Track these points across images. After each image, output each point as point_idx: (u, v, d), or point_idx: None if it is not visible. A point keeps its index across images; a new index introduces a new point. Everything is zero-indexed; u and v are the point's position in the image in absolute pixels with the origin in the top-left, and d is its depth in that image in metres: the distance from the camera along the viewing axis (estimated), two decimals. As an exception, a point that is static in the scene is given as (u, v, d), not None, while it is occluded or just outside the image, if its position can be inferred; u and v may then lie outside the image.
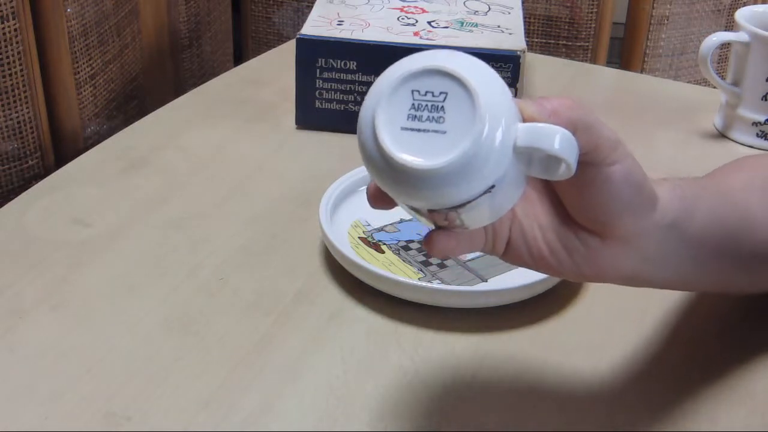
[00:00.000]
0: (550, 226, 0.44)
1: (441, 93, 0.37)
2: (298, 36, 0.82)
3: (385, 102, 0.38)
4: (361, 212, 0.69)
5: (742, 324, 0.61)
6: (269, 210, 0.72)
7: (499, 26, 0.87)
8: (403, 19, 0.88)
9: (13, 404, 0.52)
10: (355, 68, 0.82)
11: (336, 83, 0.83)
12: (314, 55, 0.82)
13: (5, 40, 0.76)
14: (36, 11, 0.80)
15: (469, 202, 0.38)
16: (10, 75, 0.77)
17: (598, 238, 0.44)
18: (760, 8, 0.87)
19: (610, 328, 0.60)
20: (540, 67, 1.01)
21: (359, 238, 0.67)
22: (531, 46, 1.26)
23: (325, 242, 0.64)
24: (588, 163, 0.41)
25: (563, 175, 0.39)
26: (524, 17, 0.92)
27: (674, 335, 0.59)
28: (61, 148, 0.86)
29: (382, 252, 0.65)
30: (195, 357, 0.56)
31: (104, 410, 0.51)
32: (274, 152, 0.82)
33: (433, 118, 0.37)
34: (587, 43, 1.27)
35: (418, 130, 0.38)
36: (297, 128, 0.86)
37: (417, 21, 0.87)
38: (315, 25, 0.84)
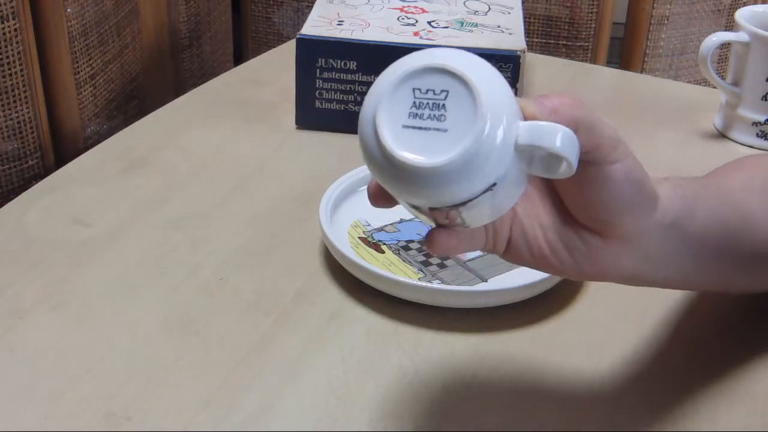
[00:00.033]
0: (551, 225, 0.44)
1: (442, 91, 0.37)
2: (298, 36, 0.82)
3: (386, 100, 0.38)
4: (361, 212, 0.69)
5: (742, 324, 0.61)
6: (269, 210, 0.72)
7: (499, 26, 0.87)
8: (403, 19, 0.88)
9: (13, 404, 0.52)
10: (355, 68, 0.82)
11: (336, 83, 0.83)
12: (314, 55, 0.82)
13: (5, 40, 0.76)
14: (36, 11, 0.80)
15: (470, 200, 0.38)
16: (10, 75, 0.77)
17: (599, 237, 0.44)
18: (760, 8, 0.87)
19: (610, 328, 0.60)
20: (540, 67, 1.01)
21: (359, 238, 0.67)
22: (531, 46, 1.26)
23: (325, 242, 0.64)
24: (589, 161, 0.41)
25: (564, 174, 0.39)
26: (524, 17, 0.92)
27: (674, 335, 0.59)
28: (61, 148, 0.86)
29: (382, 252, 0.65)
30: (195, 357, 0.56)
31: (104, 410, 0.51)
32: (274, 152, 0.82)
33: (434, 116, 0.37)
34: (587, 43, 1.27)
35: (420, 128, 0.38)
36: (297, 128, 0.86)
37: (417, 21, 0.87)
38: (315, 25, 0.84)
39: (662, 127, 0.89)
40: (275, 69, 0.96)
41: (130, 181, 0.75)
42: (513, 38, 0.84)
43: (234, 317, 0.59)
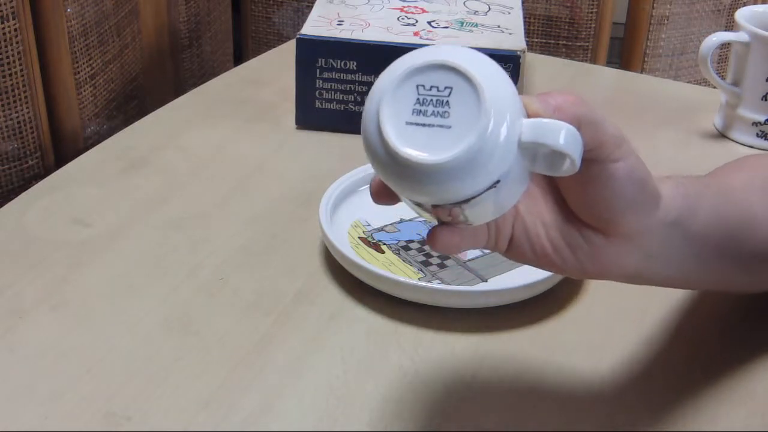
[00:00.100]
0: (553, 224, 0.44)
1: (446, 88, 0.37)
2: (298, 36, 0.82)
3: (389, 97, 0.38)
4: (361, 212, 0.69)
5: (742, 324, 0.61)
6: (269, 210, 0.72)
7: (499, 26, 0.87)
8: (403, 19, 0.88)
9: (13, 404, 0.52)
10: (355, 68, 0.82)
11: (336, 83, 0.83)
12: (314, 55, 0.82)
13: (5, 40, 0.76)
14: (36, 11, 0.80)
15: (473, 197, 0.38)
16: (10, 75, 0.77)
17: (602, 236, 0.44)
18: (760, 8, 0.87)
19: (610, 328, 0.60)
20: (540, 67, 1.01)
21: (359, 238, 0.67)
22: (531, 46, 1.26)
23: (325, 242, 0.64)
24: (592, 159, 0.41)
25: (567, 172, 0.39)
26: (524, 17, 0.92)
27: (675, 335, 0.59)
28: (61, 148, 0.86)
29: (382, 252, 0.65)
30: (195, 357, 0.56)
31: (104, 410, 0.51)
32: (274, 152, 0.82)
33: (438, 112, 0.37)
34: (587, 43, 1.27)
35: (423, 125, 0.37)
36: (297, 128, 0.86)
37: (417, 21, 0.87)
38: (315, 25, 0.84)
39: (662, 127, 0.89)
40: (275, 69, 0.96)
41: (130, 181, 0.75)
42: (513, 38, 0.84)
43: (234, 317, 0.59)
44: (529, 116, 0.38)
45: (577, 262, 0.44)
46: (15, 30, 0.77)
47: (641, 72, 1.29)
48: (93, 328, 0.58)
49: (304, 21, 0.86)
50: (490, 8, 0.92)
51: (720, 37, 0.84)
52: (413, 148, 0.37)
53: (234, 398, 0.53)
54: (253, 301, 0.61)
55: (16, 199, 0.72)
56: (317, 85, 0.83)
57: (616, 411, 0.53)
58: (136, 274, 0.64)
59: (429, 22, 0.87)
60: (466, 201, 0.39)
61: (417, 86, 0.38)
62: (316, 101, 0.84)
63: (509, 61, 0.80)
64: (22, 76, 0.78)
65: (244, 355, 0.56)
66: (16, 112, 0.79)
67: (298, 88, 0.84)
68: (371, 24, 0.85)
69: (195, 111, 0.88)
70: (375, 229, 0.68)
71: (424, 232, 0.67)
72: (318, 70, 0.83)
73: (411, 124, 0.38)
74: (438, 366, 0.56)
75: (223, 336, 0.58)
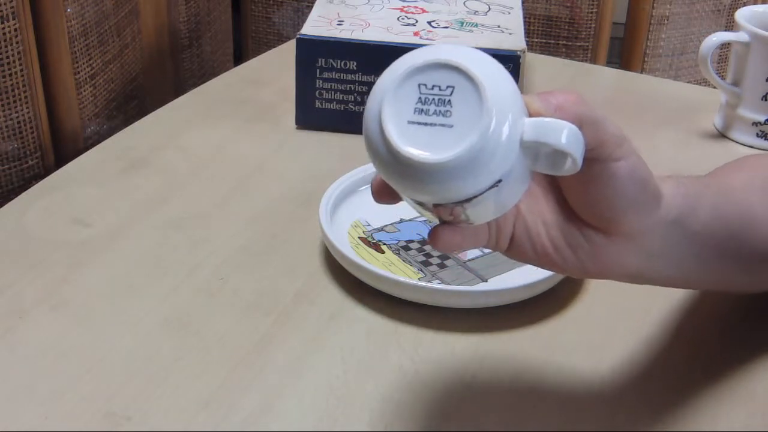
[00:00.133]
0: (554, 223, 0.44)
1: (448, 87, 0.37)
2: (298, 36, 0.82)
3: (391, 96, 0.38)
4: (361, 212, 0.69)
5: (742, 324, 0.61)
6: (269, 210, 0.72)
7: (499, 26, 0.87)
8: (403, 19, 0.88)
9: (13, 404, 0.52)
10: (355, 68, 0.82)
11: (336, 83, 0.83)
12: (314, 55, 0.82)
13: (5, 40, 0.76)
14: (36, 11, 0.80)
15: (475, 196, 0.38)
16: (10, 75, 0.77)
17: (603, 235, 0.44)
18: (760, 8, 0.87)
19: (610, 328, 0.60)
20: (540, 67, 1.01)
21: (359, 238, 0.67)
22: (531, 46, 1.26)
23: (325, 242, 0.64)
24: (593, 159, 0.41)
25: (569, 171, 0.39)
26: (524, 17, 0.92)
27: (675, 335, 0.59)
28: (61, 148, 0.86)
29: (382, 252, 0.65)
30: (195, 357, 0.56)
31: (104, 410, 0.51)
32: (274, 152, 0.82)
33: (440, 111, 0.37)
34: (587, 43, 1.27)
35: (425, 124, 0.37)
36: (297, 128, 0.86)
37: (417, 21, 0.87)
38: (315, 25, 0.84)
39: (662, 127, 0.89)
40: (275, 69, 0.96)
41: (130, 181, 0.75)
42: (513, 38, 0.84)
43: (234, 317, 0.59)
44: (530, 115, 0.38)
45: (578, 261, 0.44)
46: (15, 30, 0.77)
47: (641, 72, 1.29)
48: (93, 328, 0.58)
49: (304, 21, 0.86)
50: (490, 8, 0.92)
51: (720, 37, 0.84)
52: (415, 147, 0.37)
53: (234, 398, 0.52)
54: (253, 301, 0.61)
55: (16, 199, 0.72)
56: (317, 85, 0.83)
57: (616, 411, 0.53)
58: (136, 274, 0.64)
59: (429, 22, 0.87)
60: (468, 200, 0.39)
61: (419, 85, 0.38)
62: (316, 101, 0.84)
63: (509, 61, 0.80)
64: (22, 76, 0.78)
65: (244, 355, 0.56)
66: (16, 112, 0.79)
67: (298, 88, 0.84)
68: (371, 24, 0.85)
69: (195, 111, 0.88)
70: (375, 229, 0.68)
71: (424, 232, 0.67)
72: (318, 70, 0.83)
73: (413, 123, 0.38)
74: (438, 366, 0.56)
75: (223, 336, 0.58)
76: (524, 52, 0.81)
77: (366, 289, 0.61)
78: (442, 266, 0.64)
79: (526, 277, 0.60)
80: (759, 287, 0.56)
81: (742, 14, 0.85)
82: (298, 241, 0.68)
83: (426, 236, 0.66)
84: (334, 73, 0.83)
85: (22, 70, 0.78)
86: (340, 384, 0.54)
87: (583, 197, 0.43)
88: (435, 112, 0.37)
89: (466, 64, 0.37)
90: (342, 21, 0.85)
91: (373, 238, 0.67)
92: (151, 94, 1.05)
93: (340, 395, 0.53)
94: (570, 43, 1.28)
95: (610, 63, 1.35)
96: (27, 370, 0.54)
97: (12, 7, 0.76)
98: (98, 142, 0.84)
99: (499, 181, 0.38)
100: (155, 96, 1.05)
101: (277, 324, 0.59)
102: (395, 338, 0.58)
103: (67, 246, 0.66)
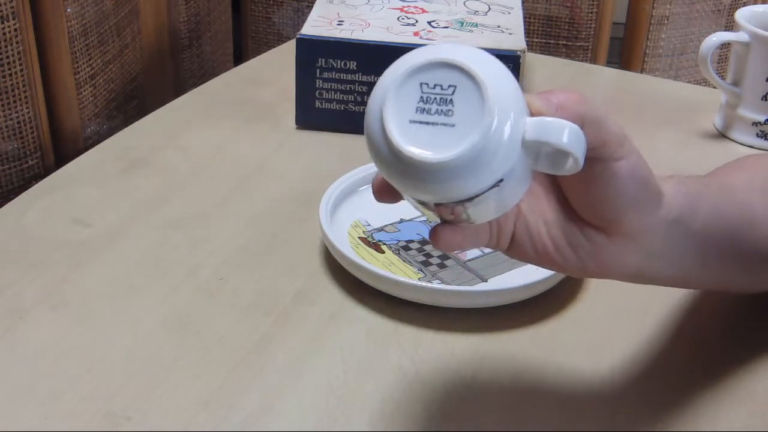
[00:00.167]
0: (555, 222, 0.44)
1: (450, 86, 0.37)
2: (298, 36, 0.82)
3: (393, 95, 0.38)
4: (361, 212, 0.69)
5: (743, 324, 0.61)
6: (269, 210, 0.72)
7: (499, 26, 0.87)
8: (403, 19, 0.88)
9: (13, 404, 0.52)
10: (355, 68, 0.82)
11: (336, 83, 0.83)
12: (314, 55, 0.82)
13: (5, 40, 0.76)
14: (36, 11, 0.80)
15: (476, 196, 0.38)
16: (10, 75, 0.77)
17: (604, 235, 0.44)
18: (760, 8, 0.87)
19: (610, 328, 0.60)
20: (540, 67, 1.01)
21: (359, 238, 0.67)
22: (531, 46, 1.26)
23: (325, 242, 0.64)
24: (594, 158, 0.41)
25: (570, 170, 0.39)
26: (524, 17, 0.92)
27: (675, 335, 0.59)
28: (61, 148, 0.86)
29: (382, 252, 0.65)
30: (195, 357, 0.56)
31: (104, 410, 0.51)
32: (274, 152, 0.82)
33: (441, 111, 0.37)
34: (587, 43, 1.27)
35: (427, 123, 0.37)
36: (297, 128, 0.86)
37: (417, 21, 0.87)
38: (315, 25, 0.84)
39: (662, 127, 0.89)
40: (275, 69, 0.96)
41: (130, 181, 0.75)
42: (513, 38, 0.84)
43: (234, 317, 0.59)
44: (531, 115, 0.38)
45: (579, 260, 0.44)
46: (15, 30, 0.77)
47: (641, 72, 1.29)
48: (93, 328, 0.58)
49: (304, 21, 0.86)
50: (490, 8, 0.92)
51: (720, 37, 0.84)
52: (417, 146, 0.37)
53: (234, 398, 0.52)
54: (253, 301, 0.61)
55: (16, 199, 0.72)
56: (317, 85, 0.83)
57: (616, 411, 0.53)
58: (136, 274, 0.64)
59: (429, 22, 0.87)
60: (470, 199, 0.39)
61: (420, 84, 0.38)
62: (316, 101, 0.84)
63: (509, 61, 0.80)
64: (22, 76, 0.78)
65: (244, 355, 0.56)
66: (16, 112, 0.79)
67: (298, 88, 0.84)
68: (371, 24, 0.85)
69: (195, 111, 0.88)
70: (375, 229, 0.68)
71: (424, 232, 0.67)
72: (318, 70, 0.83)
73: (414, 122, 0.38)
74: (438, 366, 0.56)
75: (223, 336, 0.58)
76: (524, 52, 0.81)
77: (366, 289, 0.61)
78: (442, 266, 0.64)
79: (526, 277, 0.60)
80: (759, 287, 0.56)
81: (742, 14, 0.85)
82: (298, 241, 0.68)
83: (426, 236, 0.67)
84: (334, 73, 0.83)
85: (22, 70, 0.78)
86: (340, 384, 0.54)
87: (584, 197, 0.43)
88: (437, 112, 0.37)
89: (468, 63, 0.37)
90: (342, 21, 0.85)
91: (373, 238, 0.67)
92: (151, 94, 1.05)
93: (340, 395, 0.53)
94: (570, 43, 1.28)
95: (610, 63, 1.35)
96: (27, 370, 0.54)
97: (12, 7, 0.76)
98: (98, 142, 0.84)
99: (501, 180, 0.38)
100: (155, 96, 1.05)
101: (277, 324, 0.59)
102: (395, 338, 0.58)
103: (67, 246, 0.66)
